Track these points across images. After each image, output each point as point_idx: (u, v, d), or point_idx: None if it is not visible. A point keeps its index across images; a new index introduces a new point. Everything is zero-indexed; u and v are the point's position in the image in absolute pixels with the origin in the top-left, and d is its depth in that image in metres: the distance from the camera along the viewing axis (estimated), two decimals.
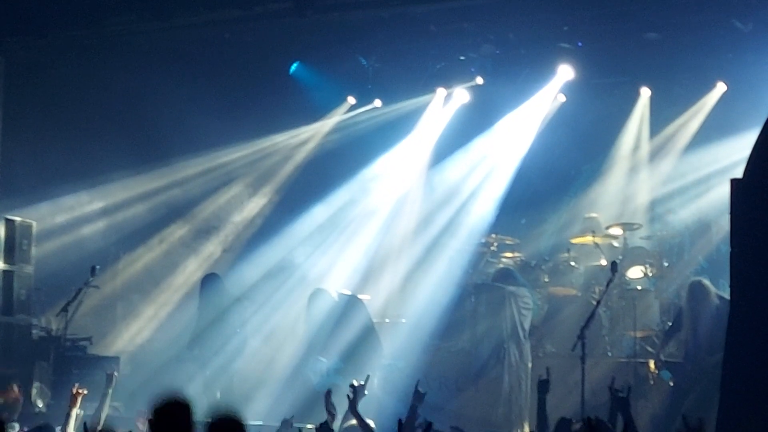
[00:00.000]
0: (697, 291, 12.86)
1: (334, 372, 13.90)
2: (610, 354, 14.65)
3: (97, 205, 17.44)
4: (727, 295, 11.63)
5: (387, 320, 15.86)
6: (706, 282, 12.90)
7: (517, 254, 16.52)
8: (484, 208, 17.19)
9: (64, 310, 13.85)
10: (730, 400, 9.30)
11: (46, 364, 14.65)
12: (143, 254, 17.70)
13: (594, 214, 16.33)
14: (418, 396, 9.56)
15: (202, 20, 15.71)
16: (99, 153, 16.77)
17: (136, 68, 16.54)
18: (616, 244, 15.67)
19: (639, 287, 15.15)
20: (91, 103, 16.91)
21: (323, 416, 9.79)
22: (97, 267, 14.17)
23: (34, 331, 15.48)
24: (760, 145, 9.58)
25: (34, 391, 14.33)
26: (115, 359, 15.00)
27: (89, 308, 16.41)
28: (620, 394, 9.30)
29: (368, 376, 10.26)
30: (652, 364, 13.62)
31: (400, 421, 8.60)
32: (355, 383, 9.93)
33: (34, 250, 15.57)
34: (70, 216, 17.20)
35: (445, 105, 17.87)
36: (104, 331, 17.06)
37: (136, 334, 17.36)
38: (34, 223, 15.65)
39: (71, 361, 14.70)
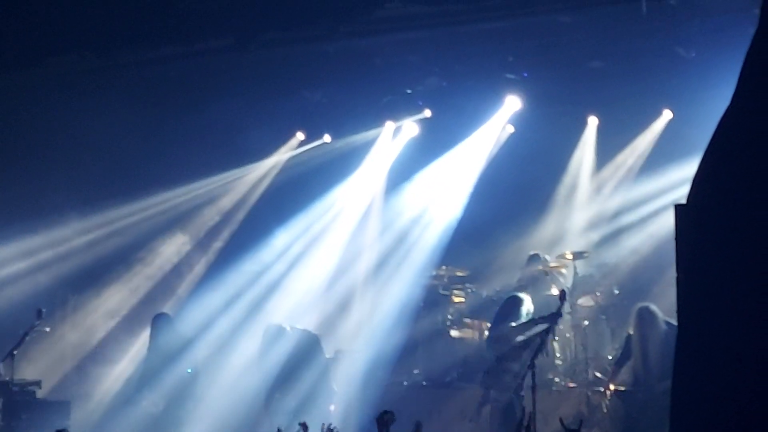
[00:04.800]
0: (645, 316, 12.87)
1: (287, 411, 13.77)
2: (562, 383, 14.63)
3: (43, 247, 17.19)
4: (674, 321, 11.62)
5: (341, 355, 15.75)
6: (654, 308, 12.89)
7: (468, 286, 16.48)
8: (434, 240, 17.15)
9: (11, 354, 13.64)
10: (679, 427, 9.25)
11: None
12: (93, 296, 17.49)
13: (538, 252, 16.19)
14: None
15: (145, 57, 15.56)
16: (43, 195, 16.59)
17: (79, 109, 16.35)
18: (566, 272, 15.66)
19: (590, 316, 15.14)
20: (35, 144, 16.72)
21: None
22: (44, 310, 13.96)
23: None
24: (701, 170, 9.58)
25: None
26: (65, 404, 14.76)
27: (39, 352, 16.19)
28: (571, 426, 9.22)
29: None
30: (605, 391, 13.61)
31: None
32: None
33: None
34: (16, 260, 16.95)
35: (394, 138, 17.86)
36: (54, 375, 16.80)
37: (87, 378, 17.12)
38: None
39: (20, 406, 14.39)
